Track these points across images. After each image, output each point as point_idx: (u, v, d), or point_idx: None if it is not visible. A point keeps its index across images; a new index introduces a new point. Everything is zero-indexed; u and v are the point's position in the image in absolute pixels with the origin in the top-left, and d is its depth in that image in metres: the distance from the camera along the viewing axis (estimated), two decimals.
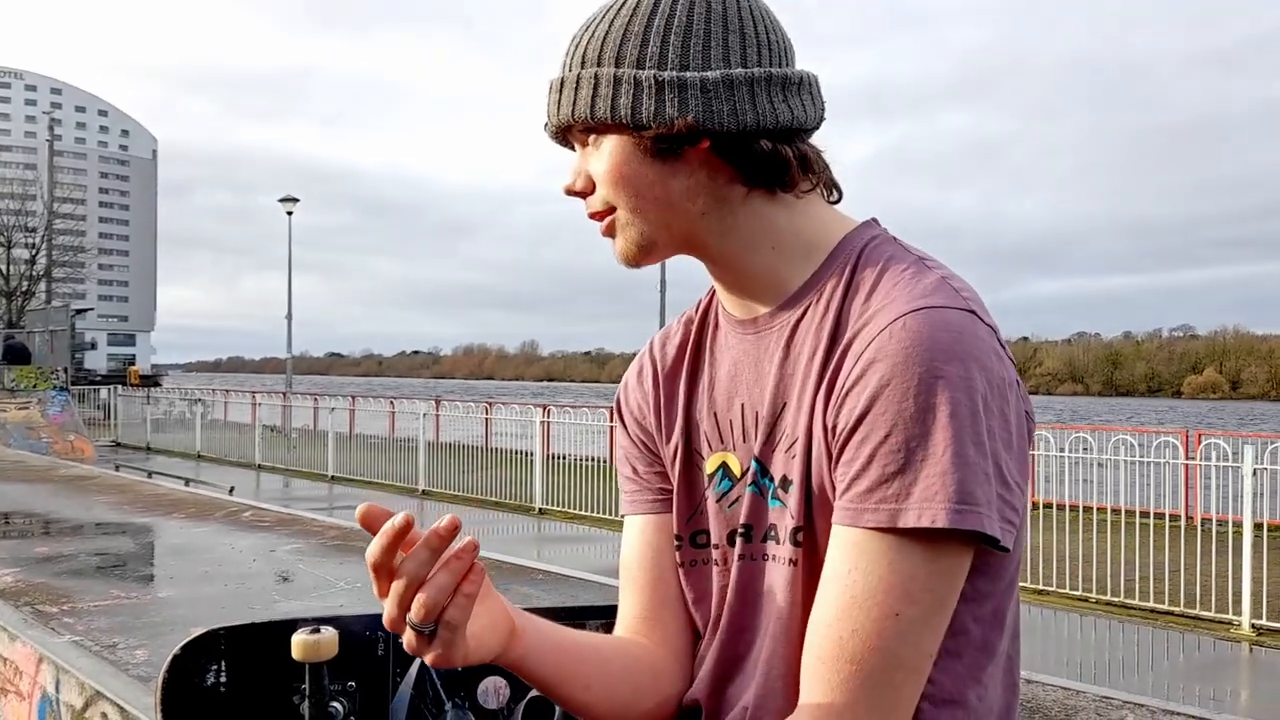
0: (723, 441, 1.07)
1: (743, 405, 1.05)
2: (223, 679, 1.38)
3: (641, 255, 1.04)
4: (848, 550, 0.90)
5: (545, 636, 1.03)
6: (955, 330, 0.89)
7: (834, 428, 0.93)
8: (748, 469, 1.04)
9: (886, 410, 0.88)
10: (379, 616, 1.54)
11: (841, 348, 0.95)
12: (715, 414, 1.08)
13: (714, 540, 1.08)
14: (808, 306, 1.00)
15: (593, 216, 1.04)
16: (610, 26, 1.01)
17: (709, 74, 0.98)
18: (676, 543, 1.11)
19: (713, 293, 1.12)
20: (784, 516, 1.00)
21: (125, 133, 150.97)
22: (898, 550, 0.88)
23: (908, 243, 1.02)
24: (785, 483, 1.00)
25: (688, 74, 0.98)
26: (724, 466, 1.07)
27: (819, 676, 0.90)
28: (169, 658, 1.34)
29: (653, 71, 0.98)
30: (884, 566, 0.88)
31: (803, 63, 1.05)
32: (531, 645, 1.01)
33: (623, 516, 1.20)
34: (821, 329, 0.98)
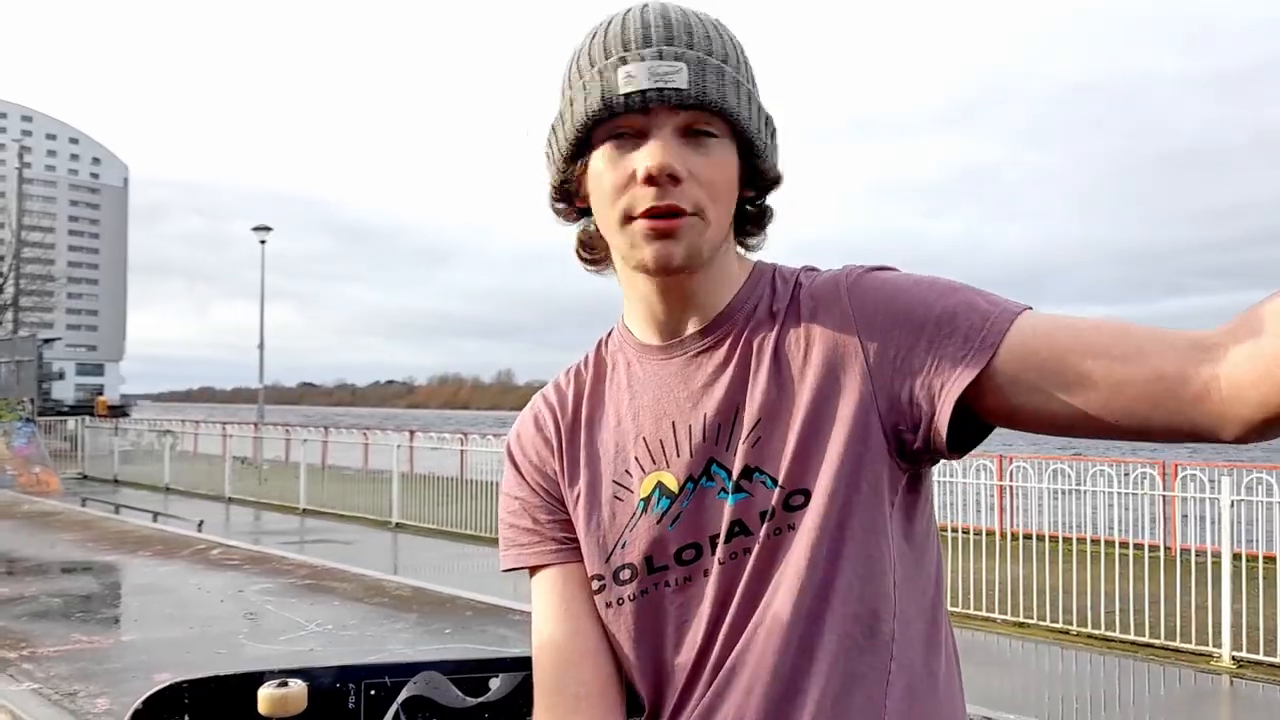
0: (654, 462, 1.05)
1: (674, 423, 1.05)
2: None
3: (699, 263, 1.01)
4: (1027, 334, 0.95)
5: None
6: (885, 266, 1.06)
7: (895, 358, 0.98)
8: (692, 478, 1.03)
9: (908, 303, 0.98)
10: (350, 667, 1.48)
11: (834, 319, 1.01)
12: (644, 439, 1.06)
13: (660, 563, 1.04)
14: (747, 319, 1.05)
15: (669, 210, 0.97)
16: (697, 22, 1.00)
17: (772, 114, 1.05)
18: (597, 584, 1.07)
19: (599, 345, 1.15)
20: (751, 507, 1.00)
21: (96, 160, 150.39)
22: (1040, 316, 0.96)
23: None
24: (748, 472, 1.00)
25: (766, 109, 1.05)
26: (660, 485, 1.05)
27: (1156, 347, 0.90)
28: (129, 712, 1.30)
29: (757, 94, 1.03)
30: (1056, 321, 0.95)
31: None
32: None
33: (521, 570, 1.12)
34: (786, 326, 1.03)
